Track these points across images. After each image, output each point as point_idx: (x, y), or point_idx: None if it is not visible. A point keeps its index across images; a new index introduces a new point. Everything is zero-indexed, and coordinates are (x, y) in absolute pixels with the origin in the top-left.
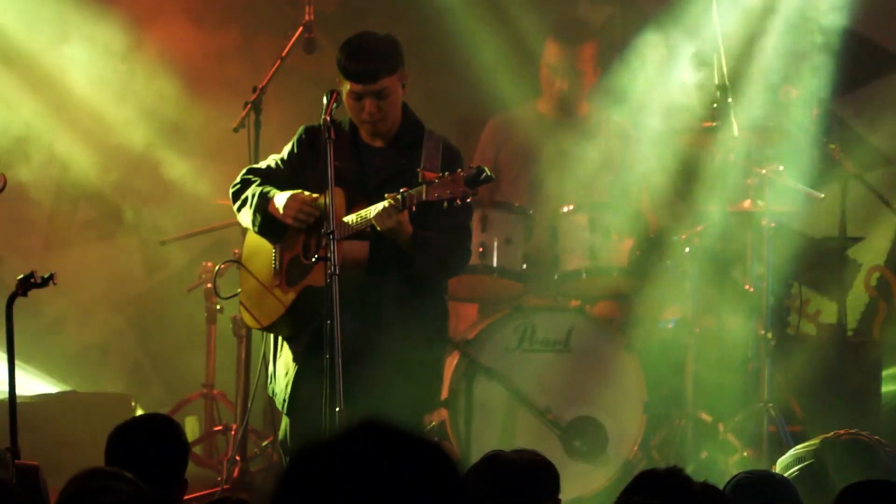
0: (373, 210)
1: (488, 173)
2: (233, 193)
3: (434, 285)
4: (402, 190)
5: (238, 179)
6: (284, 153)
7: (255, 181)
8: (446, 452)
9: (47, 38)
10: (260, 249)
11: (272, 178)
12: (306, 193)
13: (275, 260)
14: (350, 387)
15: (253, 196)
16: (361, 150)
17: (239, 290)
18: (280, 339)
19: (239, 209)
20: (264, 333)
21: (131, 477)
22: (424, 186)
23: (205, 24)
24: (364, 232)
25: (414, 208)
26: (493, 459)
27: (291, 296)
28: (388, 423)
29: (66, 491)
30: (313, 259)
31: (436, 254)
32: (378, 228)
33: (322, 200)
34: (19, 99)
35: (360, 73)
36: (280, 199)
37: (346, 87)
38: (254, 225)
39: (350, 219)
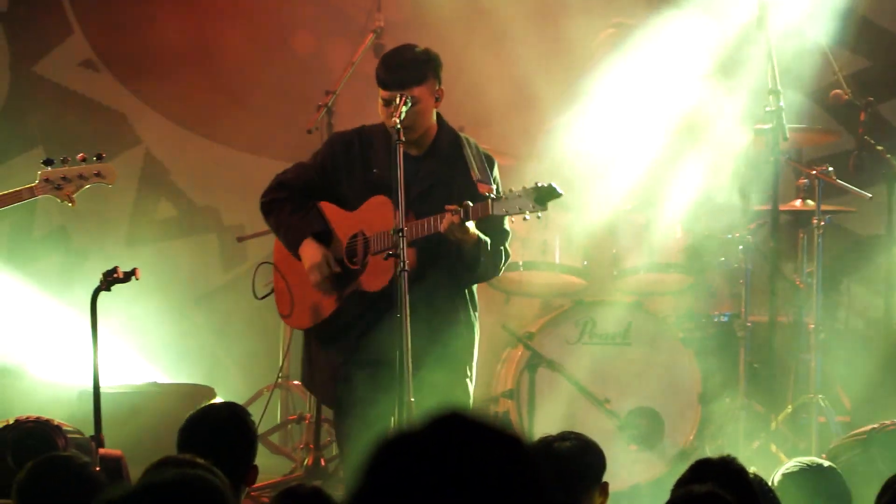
0: (441, 223)
1: (558, 190)
2: (263, 204)
3: (467, 286)
4: (464, 203)
5: (269, 194)
6: (315, 159)
7: (287, 202)
8: (526, 442)
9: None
10: None
11: (304, 187)
12: (333, 261)
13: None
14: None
15: (286, 228)
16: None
17: (271, 285)
18: (318, 338)
19: (271, 226)
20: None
21: (204, 463)
22: (490, 201)
23: (280, 29)
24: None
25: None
26: (543, 445)
27: (335, 299)
28: (470, 414)
29: (143, 479)
30: (384, 257)
31: (492, 257)
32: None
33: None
34: (110, 95)
35: (386, 80)
36: (310, 253)
37: (380, 93)
38: (288, 251)
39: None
